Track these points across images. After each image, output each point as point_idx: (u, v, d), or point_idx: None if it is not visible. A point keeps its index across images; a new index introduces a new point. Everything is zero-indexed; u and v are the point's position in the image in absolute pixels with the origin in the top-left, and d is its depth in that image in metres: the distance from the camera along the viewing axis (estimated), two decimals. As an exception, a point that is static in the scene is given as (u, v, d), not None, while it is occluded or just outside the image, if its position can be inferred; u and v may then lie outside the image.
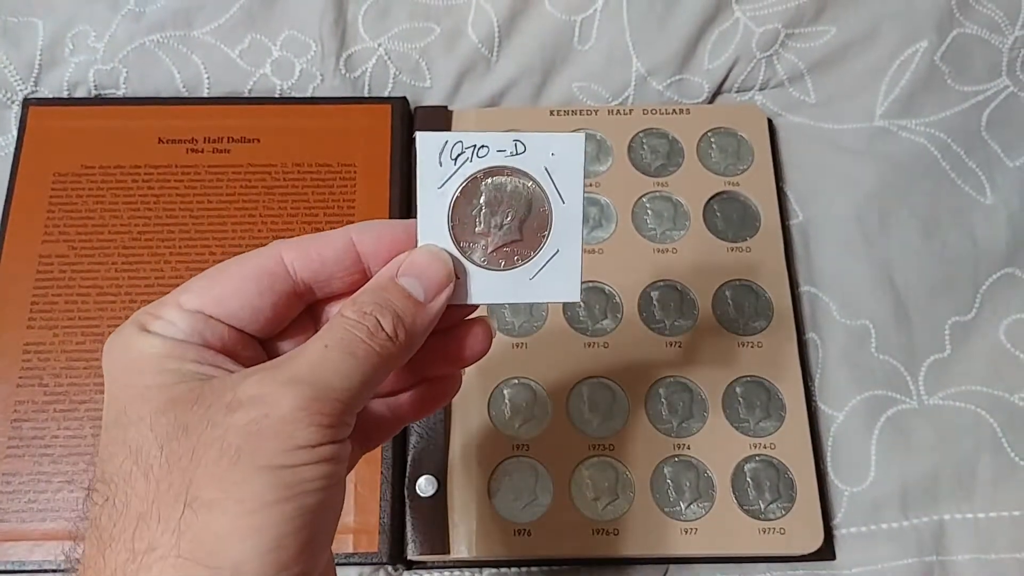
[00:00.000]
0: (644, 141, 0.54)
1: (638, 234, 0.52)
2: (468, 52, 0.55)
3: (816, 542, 0.45)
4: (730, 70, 0.56)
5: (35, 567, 0.43)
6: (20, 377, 0.47)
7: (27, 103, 0.53)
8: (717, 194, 0.53)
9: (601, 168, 0.53)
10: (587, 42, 0.56)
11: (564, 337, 0.49)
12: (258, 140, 0.53)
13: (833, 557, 0.46)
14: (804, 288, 0.52)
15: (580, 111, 0.55)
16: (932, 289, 0.51)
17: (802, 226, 0.53)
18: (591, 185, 0.53)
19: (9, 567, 0.43)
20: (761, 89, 0.57)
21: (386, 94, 0.56)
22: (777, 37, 0.55)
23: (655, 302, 0.50)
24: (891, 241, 0.52)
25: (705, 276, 0.51)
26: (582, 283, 0.29)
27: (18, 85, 0.54)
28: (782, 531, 0.45)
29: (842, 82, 0.55)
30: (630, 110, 0.55)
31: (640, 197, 0.53)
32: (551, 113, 0.55)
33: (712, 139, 0.54)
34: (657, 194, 0.53)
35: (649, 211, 0.52)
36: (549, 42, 0.56)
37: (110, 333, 0.47)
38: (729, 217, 0.52)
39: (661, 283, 0.50)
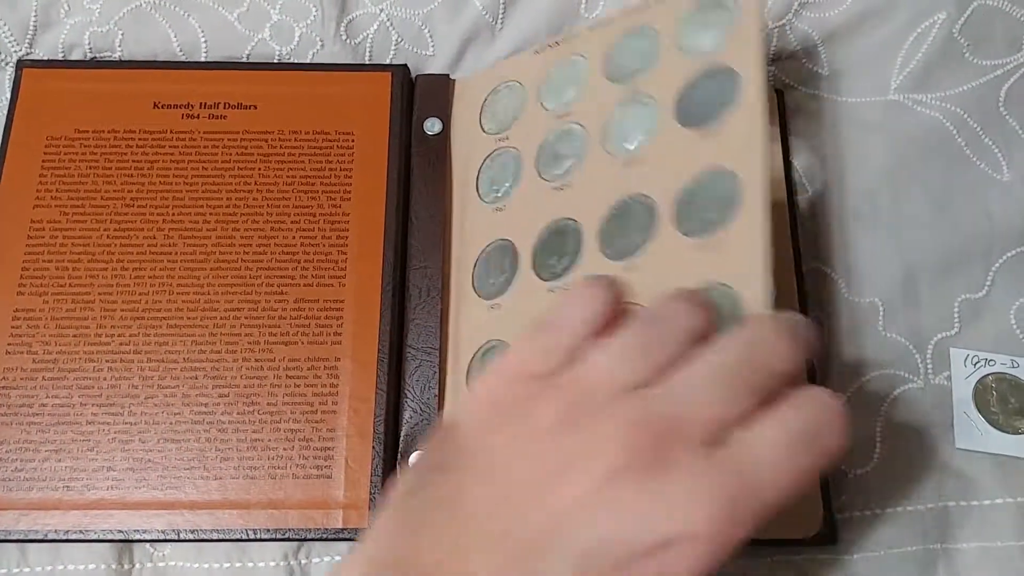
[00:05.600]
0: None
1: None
2: (472, 19, 0.54)
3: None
4: (741, 40, 0.54)
5: (21, 536, 0.43)
6: (9, 344, 0.46)
7: (21, 65, 0.52)
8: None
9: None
10: (594, 11, 0.54)
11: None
12: (255, 107, 0.52)
13: (834, 542, 0.45)
14: (811, 265, 0.50)
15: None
16: (943, 266, 0.49)
17: (810, 201, 0.52)
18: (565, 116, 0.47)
19: (-4, 536, 0.43)
20: (773, 60, 0.55)
21: (388, 61, 0.55)
22: (791, 6, 0.53)
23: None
24: (903, 218, 0.50)
25: None
26: None
27: (12, 47, 0.53)
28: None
29: (856, 54, 0.54)
30: None
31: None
32: (536, 52, 0.50)
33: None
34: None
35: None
36: (555, 10, 0.54)
37: (100, 300, 0.46)
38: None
39: None
